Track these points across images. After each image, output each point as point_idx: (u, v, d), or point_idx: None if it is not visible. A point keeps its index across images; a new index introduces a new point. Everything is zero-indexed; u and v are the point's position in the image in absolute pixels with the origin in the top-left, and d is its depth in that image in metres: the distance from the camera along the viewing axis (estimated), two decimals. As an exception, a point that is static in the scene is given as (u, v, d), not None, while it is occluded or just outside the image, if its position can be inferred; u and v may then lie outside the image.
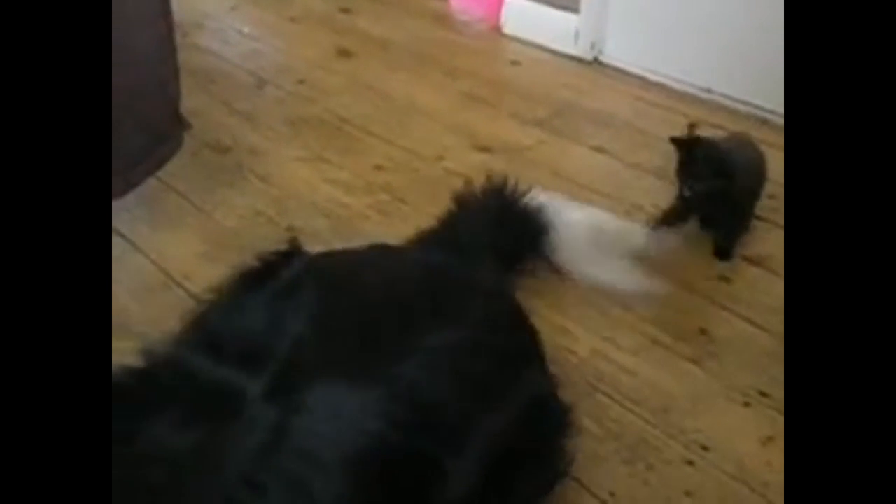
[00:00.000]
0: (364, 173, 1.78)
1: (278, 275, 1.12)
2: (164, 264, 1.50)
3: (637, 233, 1.52)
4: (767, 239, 1.55)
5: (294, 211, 1.65)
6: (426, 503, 0.89)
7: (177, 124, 1.72)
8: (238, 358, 0.93)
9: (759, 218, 1.58)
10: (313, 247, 1.52)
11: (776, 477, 1.11)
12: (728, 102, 2.01)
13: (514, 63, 2.30)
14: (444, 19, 2.55)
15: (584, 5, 2.22)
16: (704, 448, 1.16)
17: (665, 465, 1.14)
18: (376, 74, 2.22)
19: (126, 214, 1.61)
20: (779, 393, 1.23)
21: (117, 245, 1.54)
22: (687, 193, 1.44)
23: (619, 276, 1.42)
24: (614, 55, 2.23)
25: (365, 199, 1.70)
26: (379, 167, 1.80)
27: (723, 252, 1.52)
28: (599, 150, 1.87)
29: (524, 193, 1.44)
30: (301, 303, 1.01)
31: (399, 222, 1.62)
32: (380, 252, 1.25)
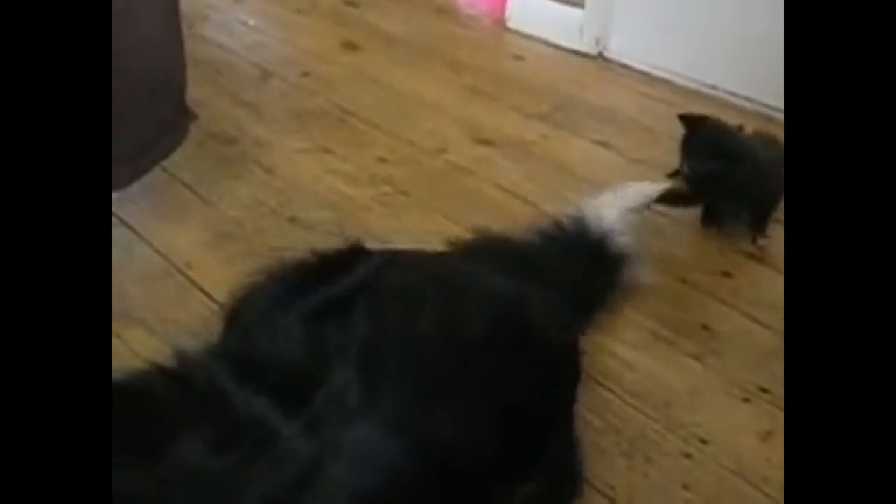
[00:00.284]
0: (367, 165, 1.78)
1: (333, 279, 1.08)
2: (167, 253, 1.50)
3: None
4: (771, 235, 1.55)
5: (297, 202, 1.66)
6: None
7: (183, 115, 1.72)
8: (277, 388, 0.89)
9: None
10: (315, 238, 1.54)
11: (774, 472, 1.12)
12: (733, 99, 2.01)
13: (519, 58, 2.30)
14: (449, 13, 2.55)
15: (589, 0, 2.22)
16: (703, 442, 1.17)
17: (664, 458, 1.14)
18: (381, 67, 2.22)
19: (131, 204, 1.62)
20: (779, 389, 1.24)
21: (122, 234, 1.55)
22: (686, 171, 1.43)
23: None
24: (619, 50, 2.23)
25: (368, 190, 1.70)
26: (382, 159, 1.81)
27: (758, 233, 1.50)
28: (602, 144, 1.87)
29: (607, 230, 1.38)
30: (350, 331, 0.97)
31: (402, 214, 1.63)
32: (448, 269, 1.19)
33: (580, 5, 2.24)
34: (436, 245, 1.48)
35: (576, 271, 1.31)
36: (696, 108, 1.95)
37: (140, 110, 1.54)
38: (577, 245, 1.37)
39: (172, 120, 1.68)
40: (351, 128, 1.94)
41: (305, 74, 2.18)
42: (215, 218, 1.61)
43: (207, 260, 1.49)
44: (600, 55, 2.26)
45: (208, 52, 2.29)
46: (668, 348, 1.33)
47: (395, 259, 1.18)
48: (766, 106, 1.93)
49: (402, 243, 1.50)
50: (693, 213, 1.57)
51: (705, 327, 1.37)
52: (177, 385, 0.92)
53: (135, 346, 1.25)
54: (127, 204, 1.61)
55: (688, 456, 1.15)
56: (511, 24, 2.42)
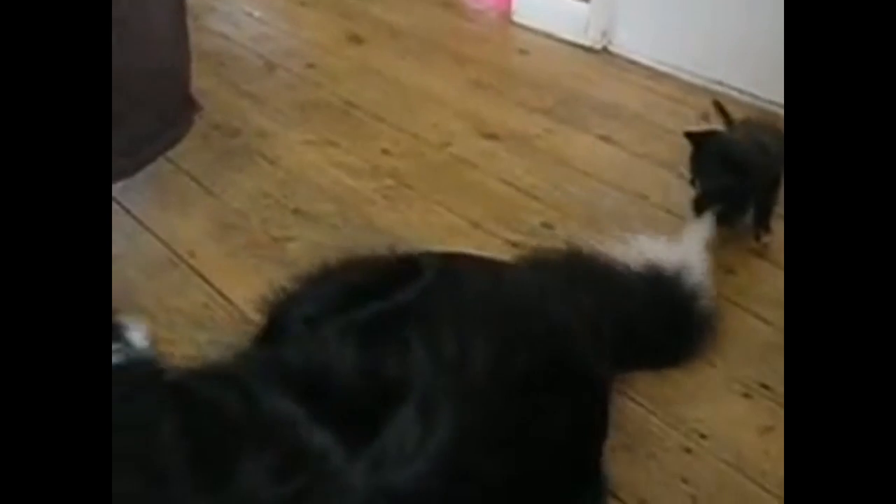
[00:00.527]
0: (371, 158, 1.79)
1: (383, 293, 1.06)
2: (171, 243, 1.51)
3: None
4: (774, 232, 1.55)
5: (301, 194, 1.66)
6: None
7: (188, 106, 1.73)
8: (340, 421, 0.89)
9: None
10: (320, 229, 1.55)
11: (773, 466, 1.12)
12: (738, 95, 2.00)
13: (523, 52, 2.30)
14: (454, 7, 2.55)
15: (594, -5, 2.22)
16: (703, 436, 1.17)
17: (664, 453, 1.15)
18: (386, 60, 2.22)
19: (135, 194, 1.63)
20: (780, 385, 1.24)
21: (126, 223, 1.56)
22: (697, 190, 1.44)
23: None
24: (624, 45, 2.23)
25: (371, 183, 1.70)
26: (386, 152, 1.81)
27: (762, 230, 1.51)
28: (606, 139, 1.87)
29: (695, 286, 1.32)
30: (408, 362, 0.96)
31: (405, 207, 1.63)
32: (505, 289, 1.14)
33: (585, 0, 2.23)
34: (438, 237, 1.48)
35: (660, 322, 1.28)
36: (702, 104, 1.96)
37: (145, 103, 1.55)
38: (667, 296, 1.31)
39: (177, 111, 1.69)
40: (355, 120, 1.94)
41: (310, 66, 2.18)
42: (219, 208, 1.62)
43: (210, 250, 1.50)
44: (605, 50, 2.25)
45: (214, 43, 2.29)
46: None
47: (449, 274, 1.13)
48: (771, 102, 1.93)
49: (405, 236, 1.51)
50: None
51: (708, 323, 1.37)
52: (244, 400, 0.92)
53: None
54: (131, 193, 1.62)
55: (688, 450, 1.15)
56: (516, 18, 2.42)
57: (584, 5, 2.24)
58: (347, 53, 2.27)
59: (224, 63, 2.19)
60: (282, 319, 1.14)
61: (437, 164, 1.78)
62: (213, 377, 0.99)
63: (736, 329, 1.35)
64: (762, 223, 1.51)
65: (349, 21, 2.44)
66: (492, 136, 1.87)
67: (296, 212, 1.60)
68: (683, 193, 1.58)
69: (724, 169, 1.41)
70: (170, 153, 1.70)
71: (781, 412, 1.20)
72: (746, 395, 1.24)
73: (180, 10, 1.64)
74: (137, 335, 1.05)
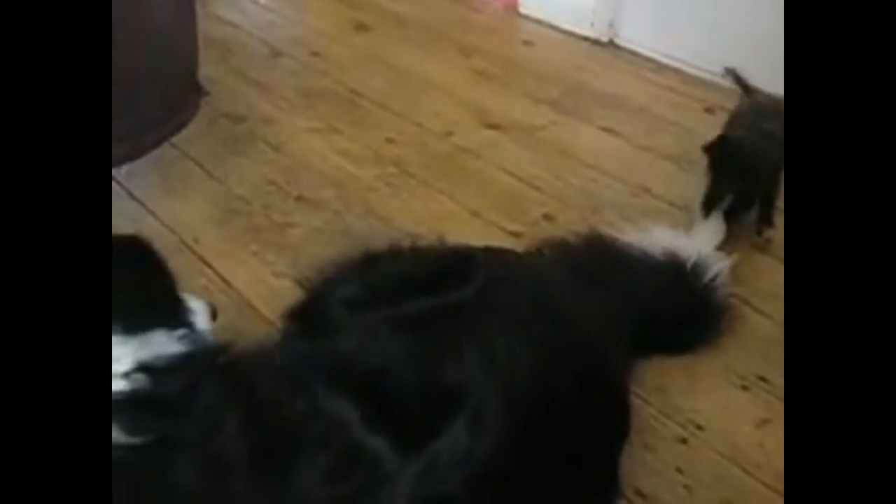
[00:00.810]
0: (374, 146, 1.79)
1: (434, 289, 1.06)
2: (175, 227, 1.52)
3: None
4: (776, 226, 1.55)
5: (304, 180, 1.67)
6: None
7: (194, 92, 1.74)
8: (395, 428, 0.89)
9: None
10: (322, 215, 1.56)
11: (768, 459, 1.13)
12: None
13: (529, 43, 2.30)
14: (461, -3, 2.55)
15: (600, -13, 2.21)
16: (699, 427, 1.18)
17: (660, 443, 1.15)
18: (391, 49, 2.22)
19: (140, 179, 1.63)
20: (777, 378, 1.24)
21: (130, 207, 1.56)
22: (719, 201, 1.46)
23: None
24: (629, 38, 2.23)
25: (373, 171, 1.71)
26: (389, 140, 1.81)
27: (765, 224, 1.53)
28: (610, 131, 1.87)
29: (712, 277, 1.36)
30: (462, 369, 0.95)
31: (406, 195, 1.64)
32: (556, 293, 1.16)
33: (592, -8, 2.23)
34: (439, 226, 1.48)
35: (680, 311, 1.31)
36: (706, 97, 1.96)
37: (153, 88, 1.56)
38: (687, 285, 1.35)
39: (183, 97, 1.69)
40: (359, 108, 1.95)
41: (315, 54, 2.19)
42: (223, 194, 1.63)
43: (214, 235, 1.51)
44: (610, 42, 2.25)
45: (220, 30, 2.29)
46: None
47: (498, 274, 1.13)
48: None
49: (405, 224, 1.52)
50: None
51: (706, 315, 1.38)
52: (305, 399, 0.91)
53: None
54: (136, 178, 1.63)
55: (684, 441, 1.16)
56: (523, 9, 2.41)
57: (590, -3, 2.24)
58: (353, 42, 2.27)
59: (230, 50, 2.19)
60: (322, 299, 1.13)
61: (440, 153, 1.78)
62: (275, 371, 0.98)
63: (734, 321, 1.36)
64: (765, 216, 1.52)
65: (355, 10, 2.44)
66: (495, 127, 1.88)
67: (298, 198, 1.61)
68: (686, 186, 1.59)
69: (736, 173, 1.44)
70: (175, 138, 1.71)
71: (778, 405, 1.20)
72: (744, 388, 1.24)
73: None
74: (201, 318, 1.06)
